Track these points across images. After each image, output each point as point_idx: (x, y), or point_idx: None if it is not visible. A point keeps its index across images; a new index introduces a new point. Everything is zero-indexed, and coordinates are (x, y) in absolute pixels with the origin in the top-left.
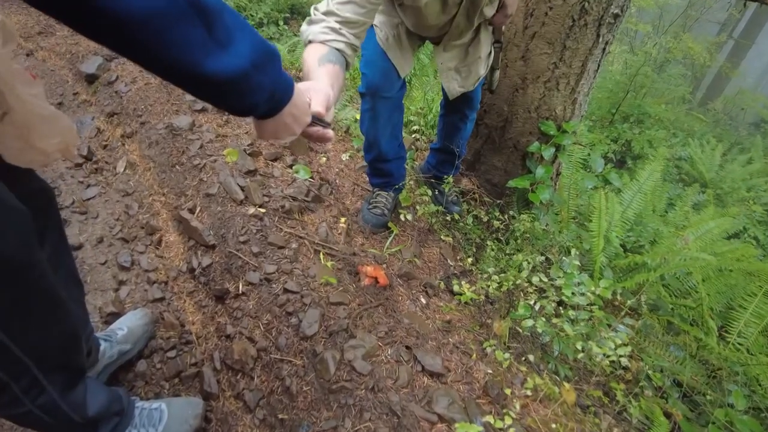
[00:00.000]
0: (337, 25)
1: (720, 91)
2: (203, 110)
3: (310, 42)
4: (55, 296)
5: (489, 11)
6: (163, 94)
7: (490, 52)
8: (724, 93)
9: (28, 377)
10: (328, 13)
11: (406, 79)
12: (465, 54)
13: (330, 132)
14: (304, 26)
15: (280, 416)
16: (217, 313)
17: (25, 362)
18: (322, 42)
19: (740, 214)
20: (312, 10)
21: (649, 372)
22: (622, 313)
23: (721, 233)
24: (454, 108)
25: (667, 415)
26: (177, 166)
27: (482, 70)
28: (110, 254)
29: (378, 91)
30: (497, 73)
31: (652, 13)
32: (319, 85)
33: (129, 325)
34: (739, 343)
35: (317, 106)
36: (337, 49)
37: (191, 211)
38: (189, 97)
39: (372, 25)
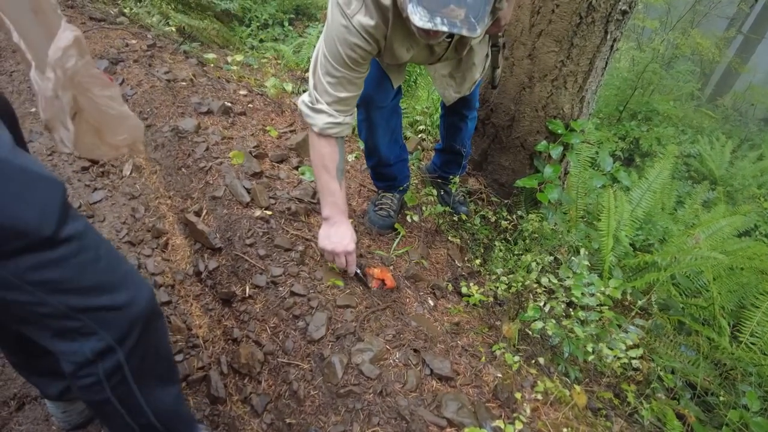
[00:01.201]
0: (336, 114)
1: (729, 87)
2: (208, 113)
3: (319, 134)
4: (109, 270)
5: (477, 40)
6: (168, 96)
7: (487, 54)
8: (733, 89)
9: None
10: (324, 95)
11: (402, 87)
12: (458, 61)
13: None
14: (306, 110)
15: (287, 421)
16: (223, 317)
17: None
18: (329, 136)
19: (751, 211)
20: (311, 94)
21: (661, 373)
22: (633, 314)
23: (732, 231)
24: (452, 109)
25: (680, 417)
26: (183, 169)
27: (477, 75)
28: None
29: (372, 101)
30: (498, 71)
31: (659, 9)
32: (350, 234)
33: None
34: (752, 343)
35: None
36: (341, 137)
37: (197, 214)
38: (194, 99)
39: None
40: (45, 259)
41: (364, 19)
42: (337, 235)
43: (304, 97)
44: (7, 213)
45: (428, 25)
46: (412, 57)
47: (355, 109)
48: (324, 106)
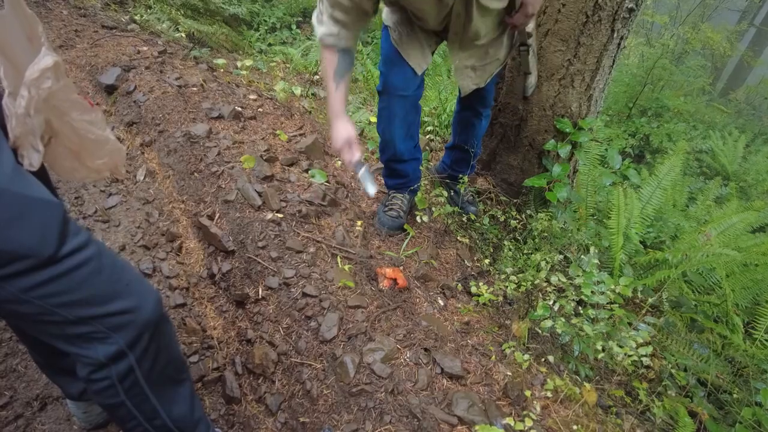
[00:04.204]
0: (335, 29)
1: (742, 80)
2: (219, 118)
3: (322, 45)
4: (113, 279)
5: (491, 3)
6: (179, 102)
7: (510, 50)
8: (746, 82)
9: (125, 363)
10: (326, 5)
11: (423, 81)
12: (485, 54)
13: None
14: (315, 23)
15: (301, 419)
16: (237, 318)
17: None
18: (330, 46)
19: (765, 207)
20: (318, 8)
21: (673, 371)
22: (643, 311)
23: (746, 227)
24: (467, 104)
25: (692, 415)
26: (195, 174)
27: (495, 69)
28: (132, 262)
29: (395, 89)
30: (531, 78)
31: (668, 3)
32: (348, 132)
33: None
34: (767, 340)
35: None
36: (343, 49)
37: (210, 217)
38: (205, 104)
39: (386, 26)
40: (48, 276)
41: None
42: (334, 134)
43: (314, 14)
44: (7, 240)
45: None
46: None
47: (355, 36)
48: (325, 17)
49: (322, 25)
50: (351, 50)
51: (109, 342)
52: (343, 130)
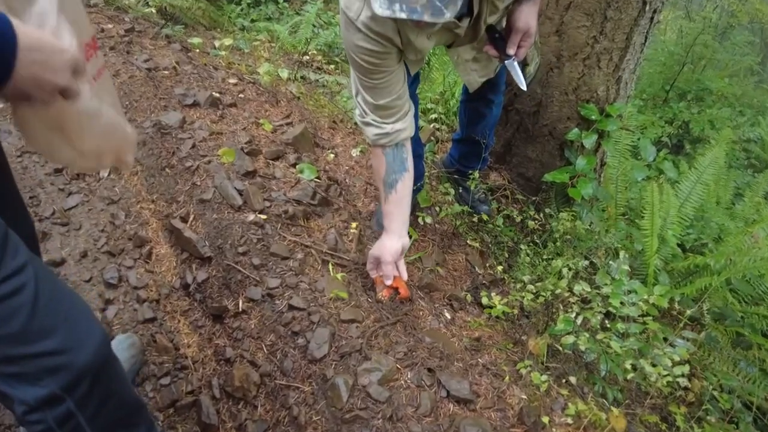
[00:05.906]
0: (381, 124)
1: None
2: (194, 105)
3: (372, 145)
4: (49, 312)
5: (494, 18)
6: (149, 88)
7: None
8: None
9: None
10: (365, 104)
11: (420, 74)
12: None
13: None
14: (360, 125)
15: None
16: (214, 334)
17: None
18: (382, 146)
19: None
20: (360, 107)
21: (715, 393)
22: (681, 325)
23: None
24: (475, 93)
25: None
26: (167, 169)
27: None
28: (95, 270)
29: None
30: (530, 69)
31: None
32: (381, 247)
33: None
34: None
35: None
36: (398, 143)
37: (184, 219)
38: (178, 90)
39: None
40: None
41: (368, 17)
42: (376, 247)
43: (356, 111)
44: None
45: (386, 13)
46: (436, 42)
47: (405, 113)
48: (370, 117)
49: (369, 126)
50: (406, 143)
51: (41, 385)
52: (380, 249)
